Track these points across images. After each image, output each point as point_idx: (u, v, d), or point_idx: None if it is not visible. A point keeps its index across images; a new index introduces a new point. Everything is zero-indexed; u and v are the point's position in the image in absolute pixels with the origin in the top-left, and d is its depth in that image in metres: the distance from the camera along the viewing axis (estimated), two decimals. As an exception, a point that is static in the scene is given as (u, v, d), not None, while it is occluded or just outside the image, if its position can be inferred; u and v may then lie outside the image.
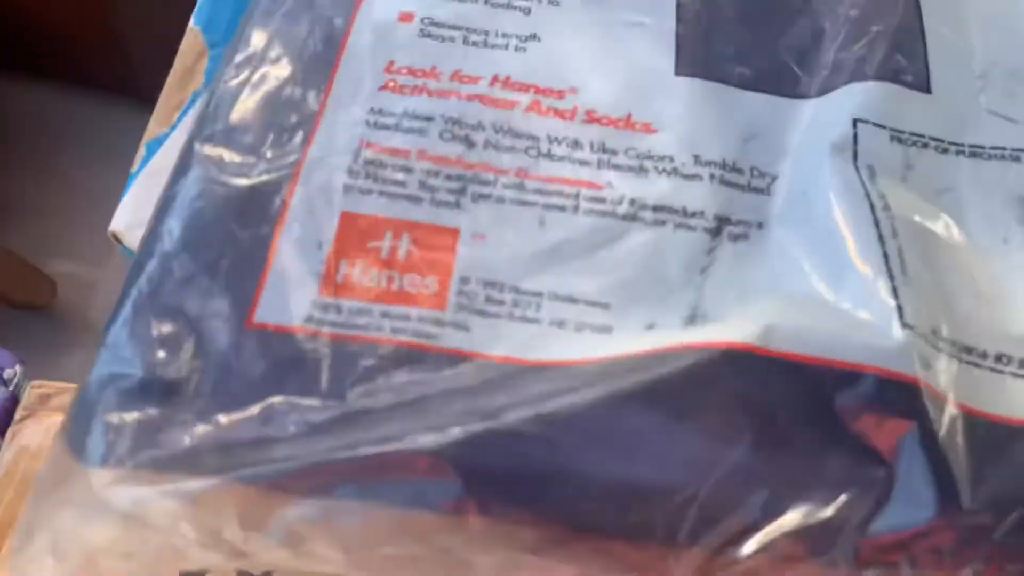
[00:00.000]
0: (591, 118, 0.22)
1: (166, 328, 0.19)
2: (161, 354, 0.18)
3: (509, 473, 0.17)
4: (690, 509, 0.17)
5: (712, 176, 0.21)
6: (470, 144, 0.21)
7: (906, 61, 0.23)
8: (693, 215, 0.21)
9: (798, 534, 0.17)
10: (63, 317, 0.50)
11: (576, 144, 0.22)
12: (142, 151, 0.27)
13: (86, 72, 0.54)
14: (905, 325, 0.18)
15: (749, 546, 0.17)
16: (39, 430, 0.30)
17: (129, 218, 0.26)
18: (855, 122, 0.22)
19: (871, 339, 0.18)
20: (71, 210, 0.52)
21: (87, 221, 0.52)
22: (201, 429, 0.18)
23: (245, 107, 0.22)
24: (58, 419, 0.31)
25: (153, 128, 0.27)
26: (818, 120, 0.22)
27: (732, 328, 0.18)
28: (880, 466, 0.17)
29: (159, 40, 0.31)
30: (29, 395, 0.31)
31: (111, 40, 0.52)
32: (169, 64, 0.28)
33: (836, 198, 0.20)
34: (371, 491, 0.17)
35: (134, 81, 0.45)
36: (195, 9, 0.29)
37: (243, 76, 0.22)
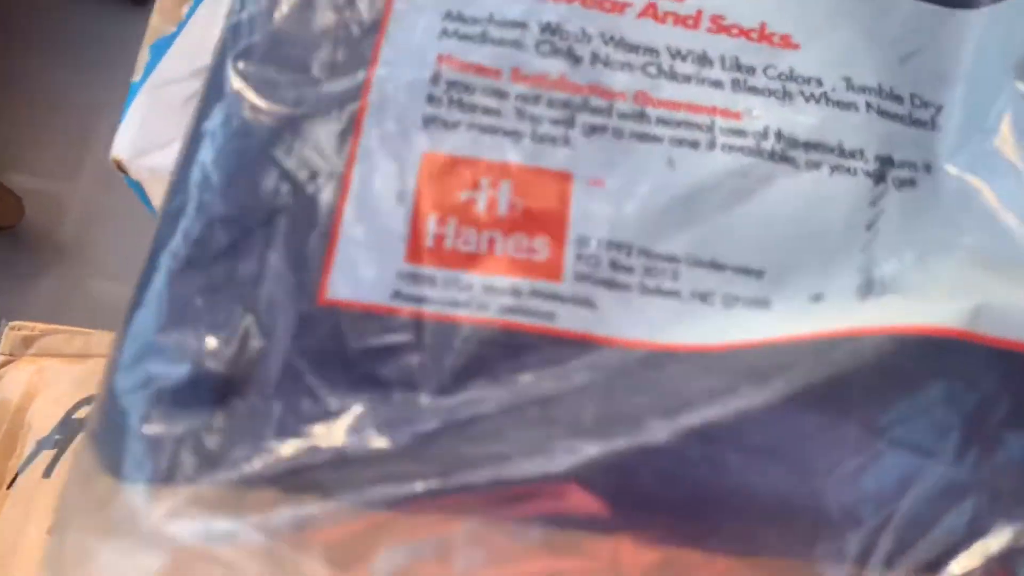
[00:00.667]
0: (718, 26, 0.18)
1: (213, 309, 0.15)
2: (210, 343, 0.14)
3: (658, 496, 0.14)
4: (882, 534, 0.14)
5: (868, 105, 0.17)
6: (575, 59, 0.17)
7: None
8: (852, 155, 0.17)
9: (1007, 557, 0.14)
10: (29, 239, 0.45)
11: (704, 60, 0.17)
12: (145, 55, 0.21)
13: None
14: None
15: (947, 573, 0.14)
16: (22, 378, 0.27)
17: (133, 141, 0.20)
18: (1038, 35, 0.18)
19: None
20: (37, 120, 0.46)
21: (55, 131, 0.46)
22: (273, 441, 0.14)
23: (289, 7, 0.17)
24: (43, 363, 0.27)
25: (158, 25, 0.21)
26: (992, 35, 0.18)
27: (929, 305, 0.15)
28: (1109, 478, 0.14)
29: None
30: (8, 337, 0.27)
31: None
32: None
33: (1025, 132, 0.17)
34: (494, 523, 0.14)
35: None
36: None
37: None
